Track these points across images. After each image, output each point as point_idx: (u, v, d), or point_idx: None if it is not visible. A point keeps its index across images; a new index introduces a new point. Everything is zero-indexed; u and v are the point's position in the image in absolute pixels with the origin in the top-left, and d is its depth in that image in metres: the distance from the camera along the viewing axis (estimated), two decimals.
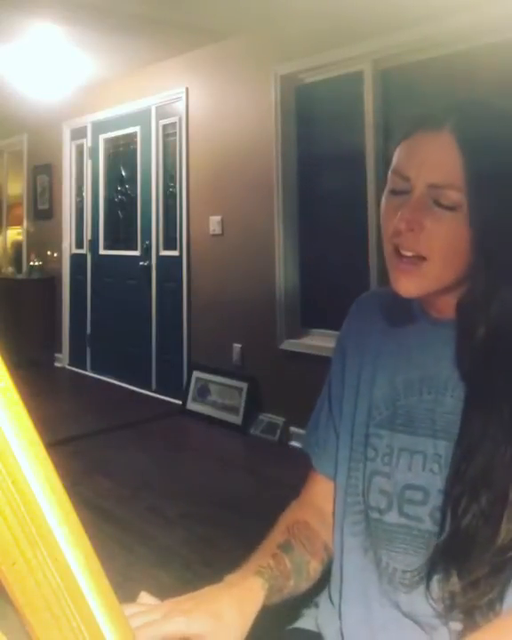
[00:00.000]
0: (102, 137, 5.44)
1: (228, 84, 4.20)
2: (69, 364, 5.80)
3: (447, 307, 0.81)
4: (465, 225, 0.72)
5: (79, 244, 5.74)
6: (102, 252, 5.48)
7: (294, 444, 3.70)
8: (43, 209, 6.15)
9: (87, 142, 5.58)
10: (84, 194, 5.65)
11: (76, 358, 5.73)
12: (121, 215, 5.33)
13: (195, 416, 4.26)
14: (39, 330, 5.83)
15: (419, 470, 0.81)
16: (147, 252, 4.94)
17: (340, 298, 3.04)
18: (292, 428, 3.73)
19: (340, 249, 3.68)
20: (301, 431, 3.62)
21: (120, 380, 5.13)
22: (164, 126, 4.80)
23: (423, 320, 0.85)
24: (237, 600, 0.73)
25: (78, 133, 5.70)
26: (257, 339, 4.03)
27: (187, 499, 2.95)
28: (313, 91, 3.81)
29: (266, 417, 3.89)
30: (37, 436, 0.44)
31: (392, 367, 0.87)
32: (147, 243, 4.94)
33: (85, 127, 5.58)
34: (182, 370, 4.54)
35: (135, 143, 5.08)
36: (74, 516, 0.47)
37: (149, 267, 4.90)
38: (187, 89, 4.50)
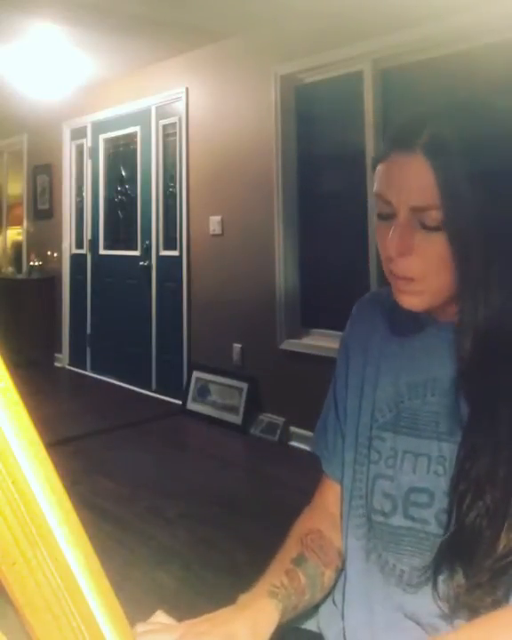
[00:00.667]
0: (102, 137, 5.44)
1: (227, 84, 4.20)
2: (69, 364, 5.80)
3: (452, 310, 0.81)
4: None
5: (79, 244, 5.74)
6: (102, 251, 5.48)
7: (294, 444, 3.70)
8: (43, 209, 6.16)
9: (87, 142, 5.58)
10: (84, 194, 5.65)
11: (76, 358, 5.73)
12: (121, 215, 5.33)
13: (195, 416, 4.26)
14: (39, 330, 5.83)
15: (423, 473, 0.81)
16: (147, 251, 4.94)
17: (340, 298, 3.05)
18: (292, 428, 3.73)
19: (339, 249, 3.68)
20: (301, 431, 3.62)
21: (120, 380, 5.13)
22: (164, 126, 4.80)
23: (427, 323, 0.85)
24: (251, 622, 0.73)
25: (78, 133, 5.70)
26: (257, 339, 4.03)
27: (187, 499, 2.94)
28: (313, 91, 3.81)
29: (266, 417, 3.89)
30: (37, 436, 0.44)
31: (396, 369, 0.87)
32: (147, 243, 4.94)
33: (85, 127, 5.58)
34: (182, 370, 4.54)
35: (135, 143, 5.08)
36: (74, 516, 0.47)
37: (149, 267, 4.90)
38: (187, 89, 4.50)
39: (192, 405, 4.34)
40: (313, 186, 3.82)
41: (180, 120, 4.60)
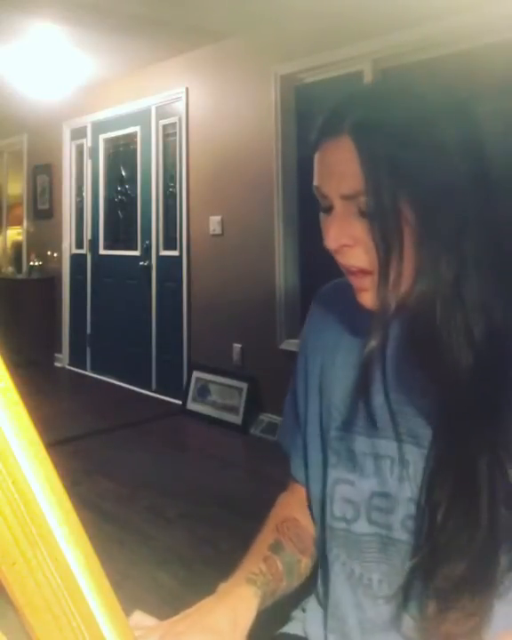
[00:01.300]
0: (102, 137, 5.44)
1: (228, 84, 4.20)
2: (69, 364, 5.80)
3: None
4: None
5: (79, 244, 5.74)
6: (102, 251, 5.48)
7: None
8: (43, 209, 6.15)
9: (87, 142, 5.58)
10: (84, 194, 5.65)
11: (76, 358, 5.73)
12: (121, 215, 5.33)
13: (195, 416, 4.26)
14: (39, 330, 5.83)
15: (386, 476, 0.76)
16: (147, 252, 4.94)
17: None
18: None
19: None
20: None
21: (120, 380, 5.13)
22: (164, 126, 4.80)
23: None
24: (231, 610, 0.73)
25: (78, 133, 5.70)
26: (257, 339, 4.03)
27: (187, 499, 2.94)
28: (313, 91, 3.80)
29: (266, 417, 3.89)
30: (37, 436, 0.44)
31: (351, 364, 0.80)
32: (147, 243, 4.94)
33: (85, 127, 5.58)
34: (182, 370, 4.54)
35: (135, 143, 5.08)
36: (74, 516, 0.47)
37: (149, 267, 4.90)
38: (187, 89, 4.50)
39: (192, 405, 4.34)
40: (313, 186, 3.82)
41: (179, 120, 4.60)
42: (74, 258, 5.80)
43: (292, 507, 0.92)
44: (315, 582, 0.89)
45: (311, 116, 3.82)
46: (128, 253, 5.14)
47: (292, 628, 0.90)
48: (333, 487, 0.81)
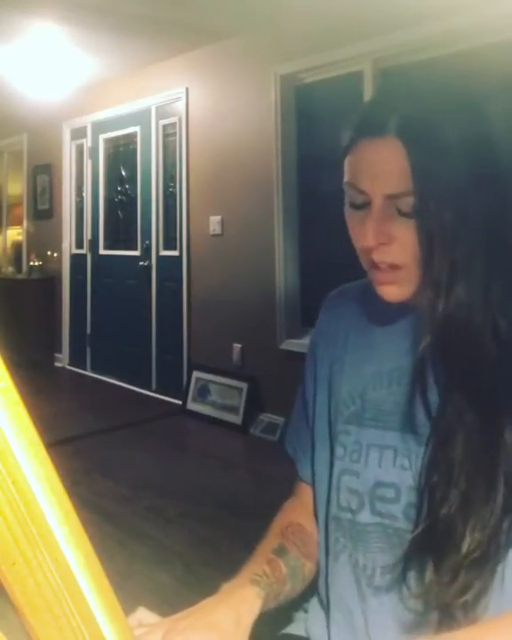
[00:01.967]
0: (102, 137, 5.43)
1: (228, 84, 4.20)
2: (69, 364, 5.80)
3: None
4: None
5: (79, 244, 5.74)
6: (102, 251, 5.48)
7: None
8: (43, 209, 6.15)
9: (87, 142, 5.58)
10: (84, 194, 5.65)
11: (76, 358, 5.73)
12: (121, 215, 5.33)
13: (195, 416, 4.26)
14: (39, 330, 5.83)
15: (389, 466, 0.78)
16: (147, 251, 4.94)
17: None
18: None
19: (340, 249, 3.67)
20: None
21: (120, 380, 5.13)
22: (164, 126, 4.80)
23: (398, 313, 0.82)
24: (234, 610, 0.73)
25: (78, 133, 5.70)
26: (257, 339, 4.03)
27: (187, 499, 2.94)
28: (313, 91, 3.81)
29: (266, 417, 3.89)
30: (37, 436, 0.44)
31: (361, 360, 0.84)
32: (147, 243, 4.94)
33: (85, 127, 5.58)
34: (182, 370, 4.54)
35: (135, 143, 5.08)
36: (74, 516, 0.47)
37: (149, 267, 4.90)
38: (187, 89, 4.50)
39: (192, 405, 4.34)
40: (313, 186, 3.82)
41: (179, 120, 4.60)
42: (74, 258, 5.80)
43: (298, 513, 0.92)
44: (315, 583, 0.89)
45: (311, 116, 3.82)
46: (128, 253, 5.14)
47: (294, 628, 0.91)
48: (339, 478, 0.83)
